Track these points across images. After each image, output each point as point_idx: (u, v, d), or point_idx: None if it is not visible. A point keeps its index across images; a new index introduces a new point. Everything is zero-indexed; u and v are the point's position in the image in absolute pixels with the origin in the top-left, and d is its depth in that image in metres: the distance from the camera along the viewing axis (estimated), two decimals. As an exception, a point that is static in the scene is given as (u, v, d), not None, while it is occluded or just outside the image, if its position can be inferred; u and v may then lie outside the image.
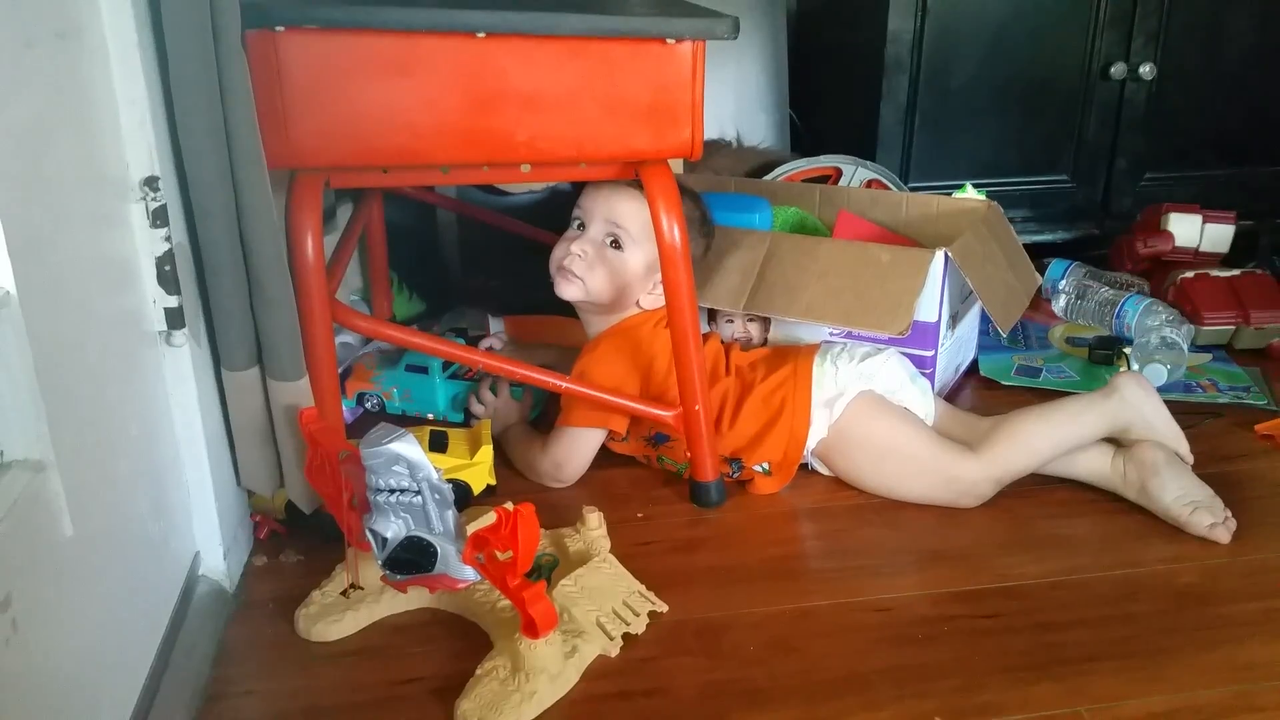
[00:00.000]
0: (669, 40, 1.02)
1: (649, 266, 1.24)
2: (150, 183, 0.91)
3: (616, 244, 1.25)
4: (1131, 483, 1.21)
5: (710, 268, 1.37)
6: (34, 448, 0.71)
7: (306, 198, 1.04)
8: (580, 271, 1.25)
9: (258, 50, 0.95)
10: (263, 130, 0.94)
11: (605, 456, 1.30)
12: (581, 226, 1.27)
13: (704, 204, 1.35)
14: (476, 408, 1.37)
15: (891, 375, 1.26)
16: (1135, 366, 1.47)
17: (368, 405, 1.43)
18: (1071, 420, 1.23)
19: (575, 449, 1.26)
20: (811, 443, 1.24)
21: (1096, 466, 1.23)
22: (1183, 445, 1.23)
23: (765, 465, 1.24)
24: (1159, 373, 1.45)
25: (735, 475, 1.26)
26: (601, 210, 1.25)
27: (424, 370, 1.39)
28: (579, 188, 1.69)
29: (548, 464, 1.26)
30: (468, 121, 1.02)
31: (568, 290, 1.27)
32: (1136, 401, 1.23)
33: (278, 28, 0.95)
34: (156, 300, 0.95)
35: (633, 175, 1.11)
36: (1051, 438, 1.22)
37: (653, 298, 1.27)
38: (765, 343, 1.43)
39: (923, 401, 1.27)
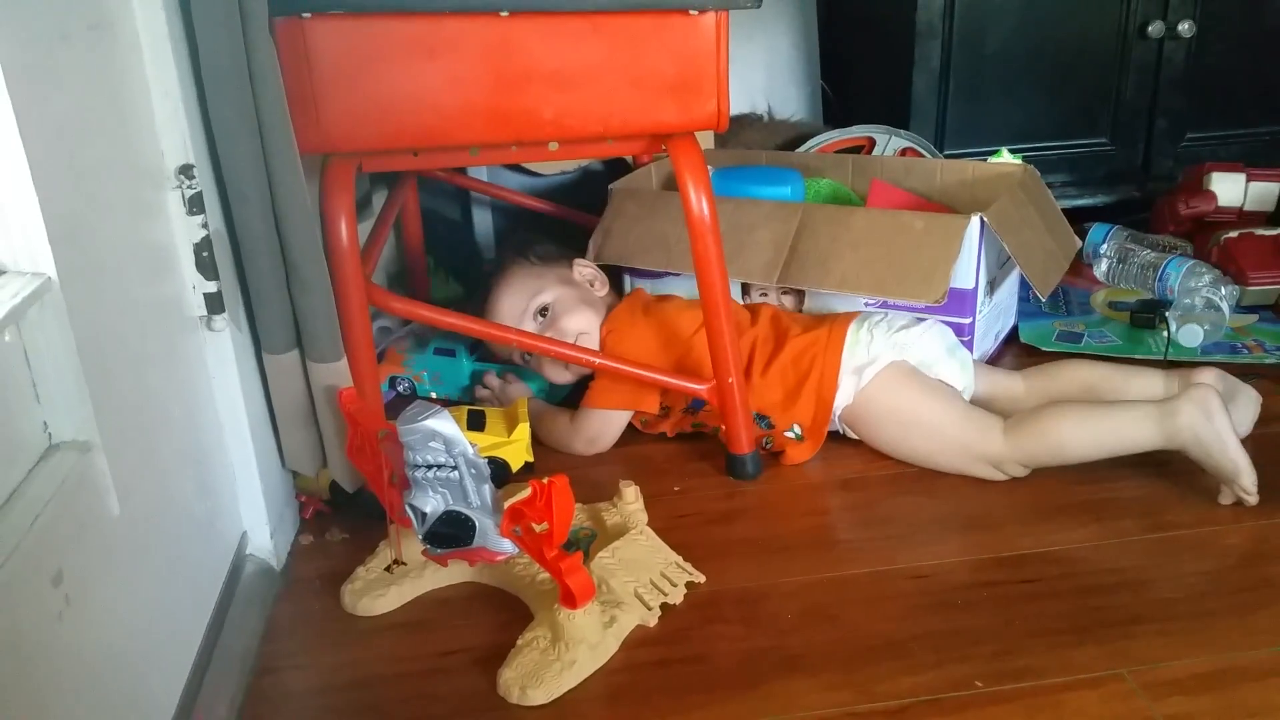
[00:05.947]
0: (691, 11, 1.01)
1: (577, 283, 1.36)
2: (185, 170, 0.93)
3: (545, 310, 1.33)
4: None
5: (742, 241, 1.37)
6: (80, 429, 0.73)
7: (339, 182, 1.06)
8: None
9: (286, 37, 0.97)
10: (293, 116, 0.96)
11: (641, 433, 1.32)
12: (542, 316, 1.34)
13: None
14: (482, 392, 1.40)
15: (928, 347, 1.24)
16: (1174, 327, 1.45)
17: (400, 389, 1.45)
18: (1115, 432, 1.14)
19: (607, 427, 1.29)
20: (838, 408, 1.23)
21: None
22: (1244, 478, 1.10)
23: (797, 430, 1.24)
24: (1195, 334, 1.43)
25: (768, 446, 1.26)
26: (516, 313, 1.33)
27: (451, 353, 1.41)
28: (611, 166, 1.70)
29: (581, 442, 1.29)
30: (494, 101, 1.03)
31: (565, 374, 1.36)
32: (1195, 428, 1.10)
33: (305, 14, 0.96)
34: (196, 286, 0.97)
35: (659, 149, 1.12)
36: (1086, 446, 1.15)
37: (602, 288, 1.39)
38: (800, 315, 1.43)
39: (961, 375, 1.25)
